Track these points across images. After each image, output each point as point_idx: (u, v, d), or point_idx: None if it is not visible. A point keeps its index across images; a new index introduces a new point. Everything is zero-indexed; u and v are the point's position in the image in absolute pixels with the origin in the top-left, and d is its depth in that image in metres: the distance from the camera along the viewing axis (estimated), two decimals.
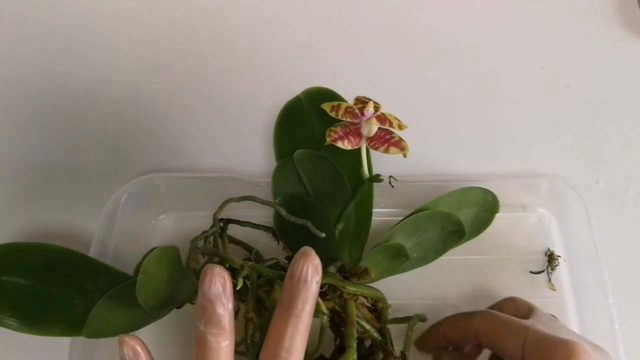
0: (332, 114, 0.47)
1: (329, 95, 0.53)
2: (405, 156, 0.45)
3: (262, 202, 0.50)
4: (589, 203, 0.54)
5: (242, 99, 0.64)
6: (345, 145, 0.46)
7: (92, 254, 0.51)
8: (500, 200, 0.53)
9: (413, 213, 0.51)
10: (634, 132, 0.62)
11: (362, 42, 0.67)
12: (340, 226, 0.50)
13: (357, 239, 0.51)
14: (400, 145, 0.46)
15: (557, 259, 0.55)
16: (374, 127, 0.45)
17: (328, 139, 0.46)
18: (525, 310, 0.46)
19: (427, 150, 0.61)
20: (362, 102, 0.47)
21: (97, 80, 0.65)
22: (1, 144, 0.63)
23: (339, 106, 0.47)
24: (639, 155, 0.61)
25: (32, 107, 0.64)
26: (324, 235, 0.47)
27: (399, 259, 0.48)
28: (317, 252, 0.47)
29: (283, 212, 0.48)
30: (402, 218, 0.51)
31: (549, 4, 0.68)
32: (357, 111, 0.46)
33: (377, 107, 0.46)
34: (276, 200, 0.50)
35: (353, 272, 0.48)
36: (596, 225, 0.53)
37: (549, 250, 0.55)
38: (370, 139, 0.46)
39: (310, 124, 0.53)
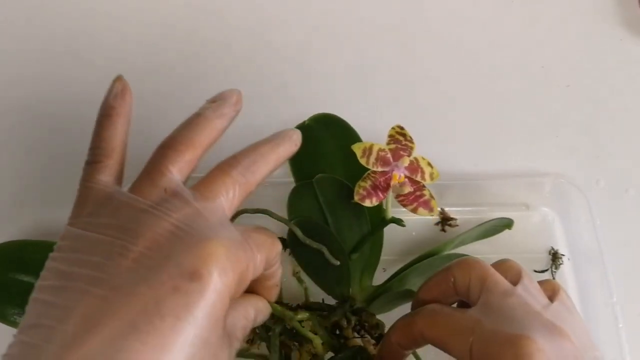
0: (363, 162, 0.45)
1: (335, 120, 0.53)
2: (433, 215, 0.44)
3: (278, 218, 0.48)
4: (591, 202, 0.54)
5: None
6: (372, 202, 0.45)
7: None
8: (503, 199, 0.54)
9: (430, 254, 0.50)
10: (634, 132, 0.62)
11: (362, 42, 0.67)
12: (355, 256, 0.49)
13: (368, 266, 0.51)
14: (429, 205, 0.45)
15: (560, 258, 0.55)
16: (405, 190, 0.44)
17: (356, 197, 0.45)
18: (513, 276, 0.39)
19: (427, 150, 0.60)
20: (395, 140, 0.45)
21: (97, 80, 0.63)
22: (3, 144, 0.62)
23: (370, 150, 0.45)
24: (639, 155, 0.61)
25: (33, 107, 0.64)
26: (338, 263, 0.46)
27: (408, 299, 0.48)
28: (329, 277, 0.48)
29: (299, 233, 0.47)
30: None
31: (549, 4, 0.68)
32: (389, 156, 0.45)
33: (410, 148, 0.45)
34: (292, 221, 0.48)
35: (364, 324, 0.47)
36: (600, 223, 0.53)
37: (552, 249, 0.55)
38: (399, 194, 0.45)
39: (326, 146, 0.52)
